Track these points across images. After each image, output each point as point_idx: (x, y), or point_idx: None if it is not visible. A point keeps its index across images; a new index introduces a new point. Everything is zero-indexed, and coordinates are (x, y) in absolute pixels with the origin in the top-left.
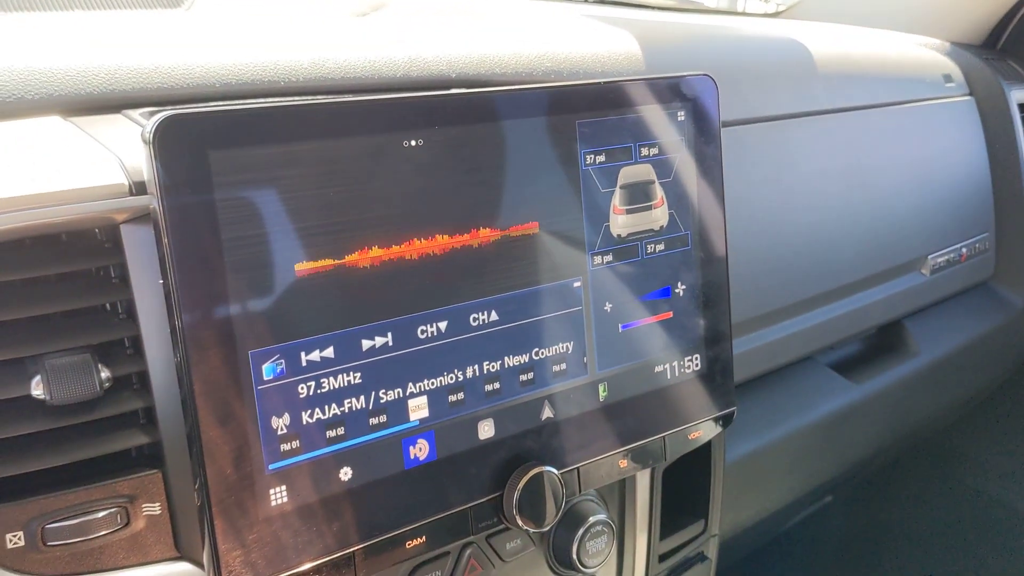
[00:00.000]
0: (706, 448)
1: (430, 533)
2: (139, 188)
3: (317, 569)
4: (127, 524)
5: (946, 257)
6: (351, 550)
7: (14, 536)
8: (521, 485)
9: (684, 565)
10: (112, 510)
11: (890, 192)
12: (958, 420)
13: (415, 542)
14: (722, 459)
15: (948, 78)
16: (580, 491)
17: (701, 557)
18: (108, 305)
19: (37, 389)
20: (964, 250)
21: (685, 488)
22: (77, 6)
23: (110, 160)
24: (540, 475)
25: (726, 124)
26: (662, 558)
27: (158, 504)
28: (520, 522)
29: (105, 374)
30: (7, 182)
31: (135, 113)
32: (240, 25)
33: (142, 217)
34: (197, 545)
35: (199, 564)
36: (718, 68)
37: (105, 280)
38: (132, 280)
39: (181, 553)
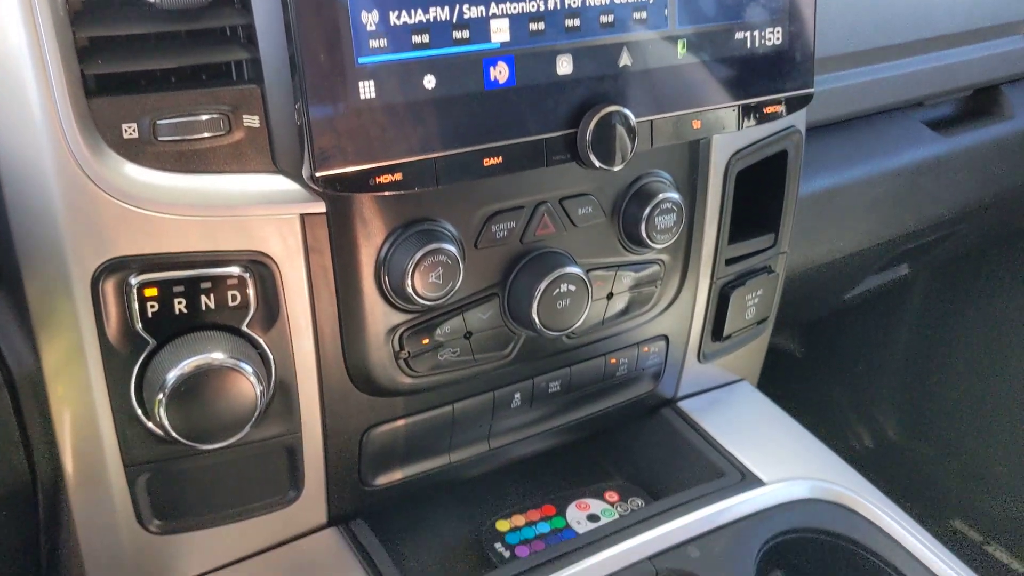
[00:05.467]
0: (781, 163)
1: (507, 155)
2: None
3: (401, 168)
4: (229, 131)
5: None
6: (432, 156)
7: (129, 127)
8: (595, 121)
9: (751, 273)
10: (215, 116)
11: None
12: None
13: (492, 161)
14: (797, 175)
15: None
16: (652, 143)
17: (768, 270)
18: None
19: None
20: None
21: (758, 208)
22: None
23: None
24: (613, 114)
25: None
26: (729, 262)
27: (257, 117)
28: (592, 158)
29: None
30: None
31: None
32: None
33: None
34: (293, 161)
35: (294, 177)
36: None
37: None
38: None
39: (278, 168)
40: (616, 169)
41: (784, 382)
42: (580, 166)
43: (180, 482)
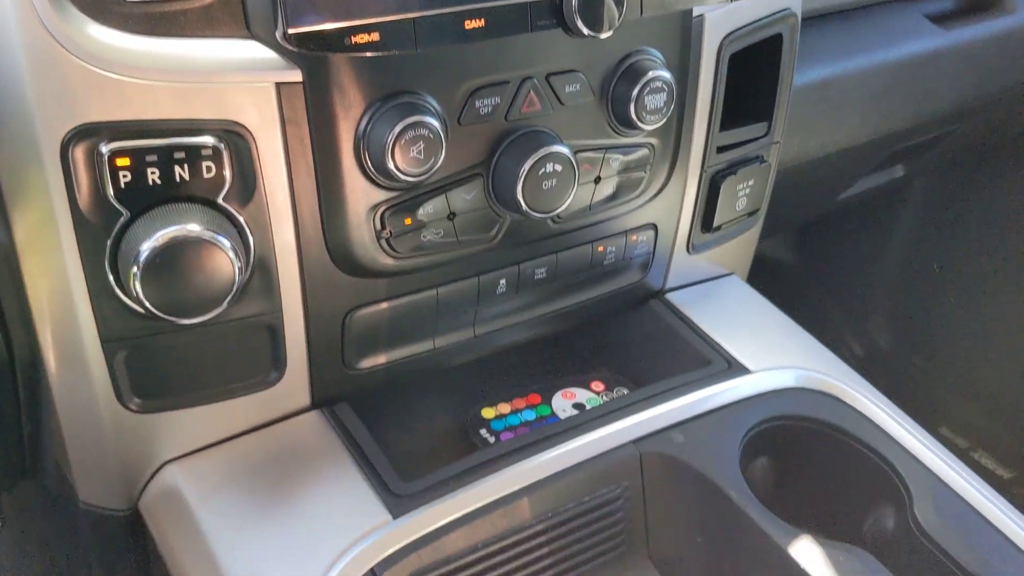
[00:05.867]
0: (776, 48)
1: (489, 18)
2: None
3: (378, 27)
4: None
5: None
6: (411, 16)
7: None
8: None
9: (742, 163)
10: None
11: None
12: None
13: (474, 24)
14: (792, 61)
15: None
16: (641, 12)
17: (761, 160)
18: None
19: None
20: None
21: (752, 96)
22: None
23: None
24: None
25: None
26: (721, 150)
27: None
28: (578, 23)
29: None
30: None
31: None
32: None
33: None
34: (267, 25)
35: (268, 44)
36: None
37: None
38: None
39: (251, 34)
40: (603, 36)
41: (775, 291)
42: (566, 33)
43: (160, 360)
